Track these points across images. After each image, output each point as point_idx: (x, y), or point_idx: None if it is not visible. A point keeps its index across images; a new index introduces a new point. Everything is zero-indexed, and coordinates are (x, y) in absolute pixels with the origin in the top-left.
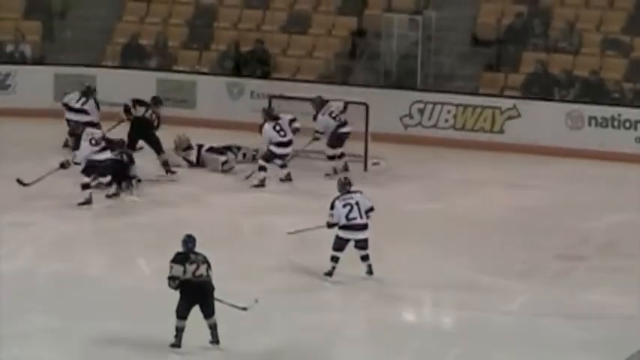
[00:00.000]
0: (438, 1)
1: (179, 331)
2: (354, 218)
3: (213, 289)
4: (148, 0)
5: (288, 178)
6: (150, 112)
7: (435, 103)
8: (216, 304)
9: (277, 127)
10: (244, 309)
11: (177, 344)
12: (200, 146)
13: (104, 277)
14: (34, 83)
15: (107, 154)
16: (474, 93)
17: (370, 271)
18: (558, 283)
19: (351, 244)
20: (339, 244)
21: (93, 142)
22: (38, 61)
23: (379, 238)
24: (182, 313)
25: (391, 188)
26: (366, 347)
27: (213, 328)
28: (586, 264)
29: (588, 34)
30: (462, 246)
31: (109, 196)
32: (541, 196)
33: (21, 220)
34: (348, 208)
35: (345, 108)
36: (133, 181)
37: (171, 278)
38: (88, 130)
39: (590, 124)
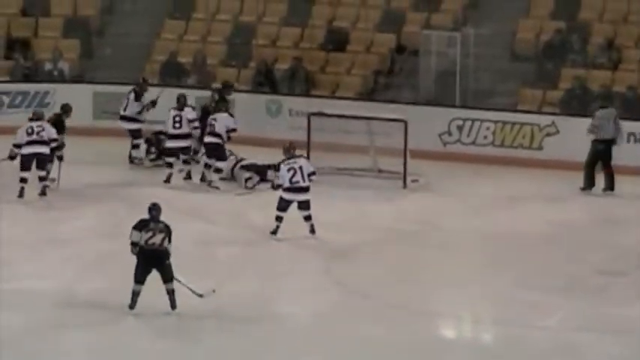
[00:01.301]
0: (476, 18)
1: (134, 294)
2: (297, 182)
3: (167, 257)
4: (186, 18)
5: (188, 177)
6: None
7: (473, 120)
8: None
9: (177, 118)
10: (201, 296)
11: (131, 306)
12: (239, 160)
13: (146, 297)
14: (73, 101)
15: (32, 149)
16: (513, 109)
17: (312, 230)
18: (598, 298)
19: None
20: (283, 205)
21: (29, 130)
22: (77, 79)
23: (419, 254)
24: (138, 278)
25: (430, 205)
26: None
27: (170, 293)
28: (625, 279)
29: (627, 50)
30: (500, 262)
31: (40, 194)
32: (580, 212)
33: (61, 237)
34: (292, 172)
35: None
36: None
37: (132, 244)
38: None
39: (628, 141)
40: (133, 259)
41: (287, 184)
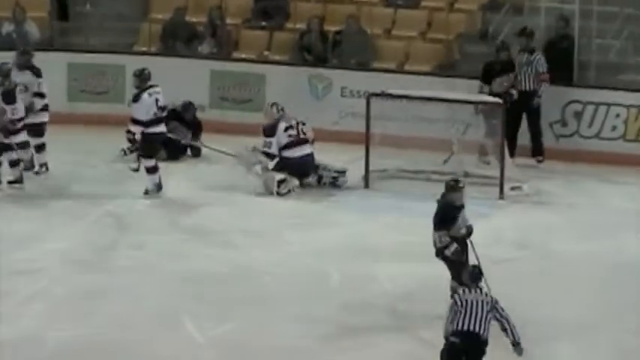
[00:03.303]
0: None
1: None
2: None
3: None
4: None
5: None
6: None
7: (597, 104)
8: None
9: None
10: None
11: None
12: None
13: (137, 345)
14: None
15: None
16: None
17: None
18: None
19: None
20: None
21: None
22: (46, 46)
23: (518, 290)
24: None
25: (536, 221)
26: None
27: None
28: None
29: None
30: (630, 302)
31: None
32: None
33: (27, 266)
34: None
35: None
36: None
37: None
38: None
39: None
40: (123, 299)
41: None
